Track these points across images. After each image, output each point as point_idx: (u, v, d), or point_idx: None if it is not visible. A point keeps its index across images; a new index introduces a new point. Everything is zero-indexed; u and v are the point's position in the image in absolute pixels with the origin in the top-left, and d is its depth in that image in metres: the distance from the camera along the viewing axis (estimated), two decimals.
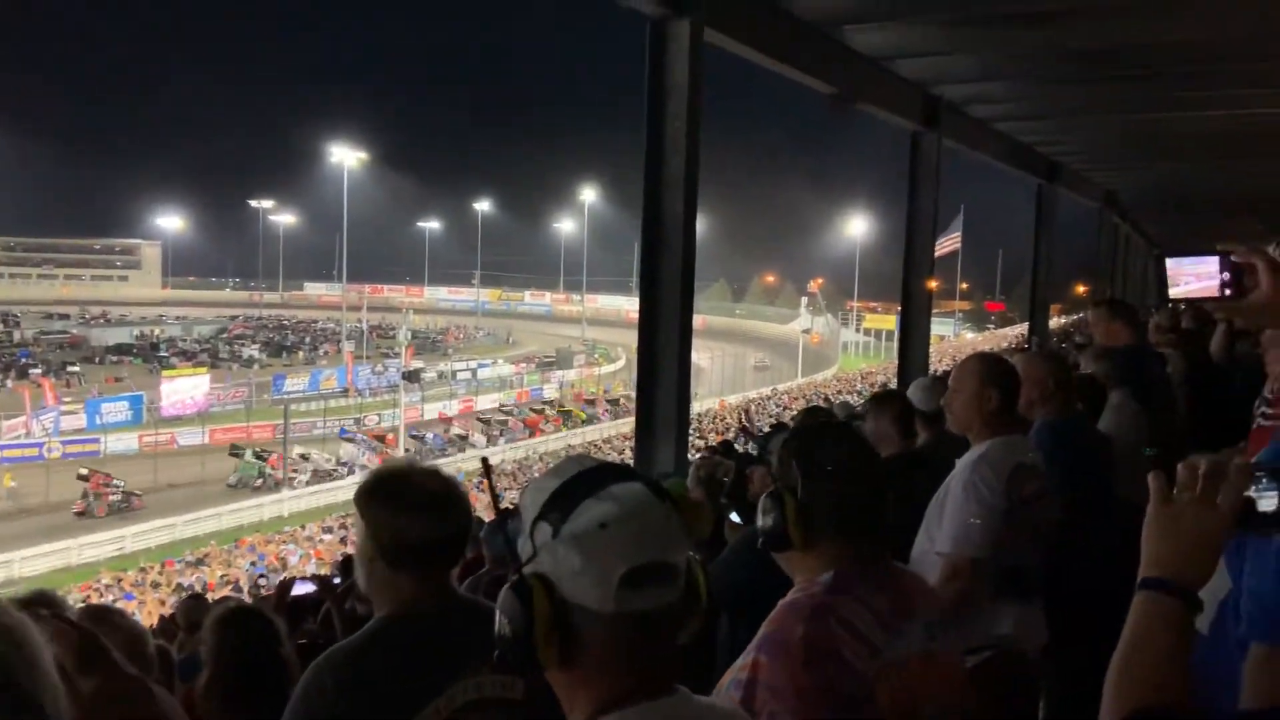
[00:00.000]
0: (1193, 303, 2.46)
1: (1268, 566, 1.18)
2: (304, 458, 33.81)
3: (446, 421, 40.65)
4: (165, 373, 43.70)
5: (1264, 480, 1.11)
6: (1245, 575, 1.22)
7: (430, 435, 38.17)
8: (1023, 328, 23.44)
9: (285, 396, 40.98)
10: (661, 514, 1.20)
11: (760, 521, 1.88)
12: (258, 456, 33.18)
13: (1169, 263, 1.89)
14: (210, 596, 13.63)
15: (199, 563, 23.53)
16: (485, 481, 1.53)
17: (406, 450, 35.64)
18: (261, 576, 20.55)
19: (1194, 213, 21.66)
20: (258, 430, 36.73)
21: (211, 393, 41.04)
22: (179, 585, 20.62)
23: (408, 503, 1.89)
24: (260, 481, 31.82)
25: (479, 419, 41.27)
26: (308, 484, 31.56)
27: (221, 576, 21.41)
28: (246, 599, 12.04)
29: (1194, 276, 1.88)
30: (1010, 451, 2.99)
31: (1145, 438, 4.32)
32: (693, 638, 1.27)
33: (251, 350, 58.69)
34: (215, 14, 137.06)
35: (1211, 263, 1.86)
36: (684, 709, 1.21)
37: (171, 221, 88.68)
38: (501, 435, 39.28)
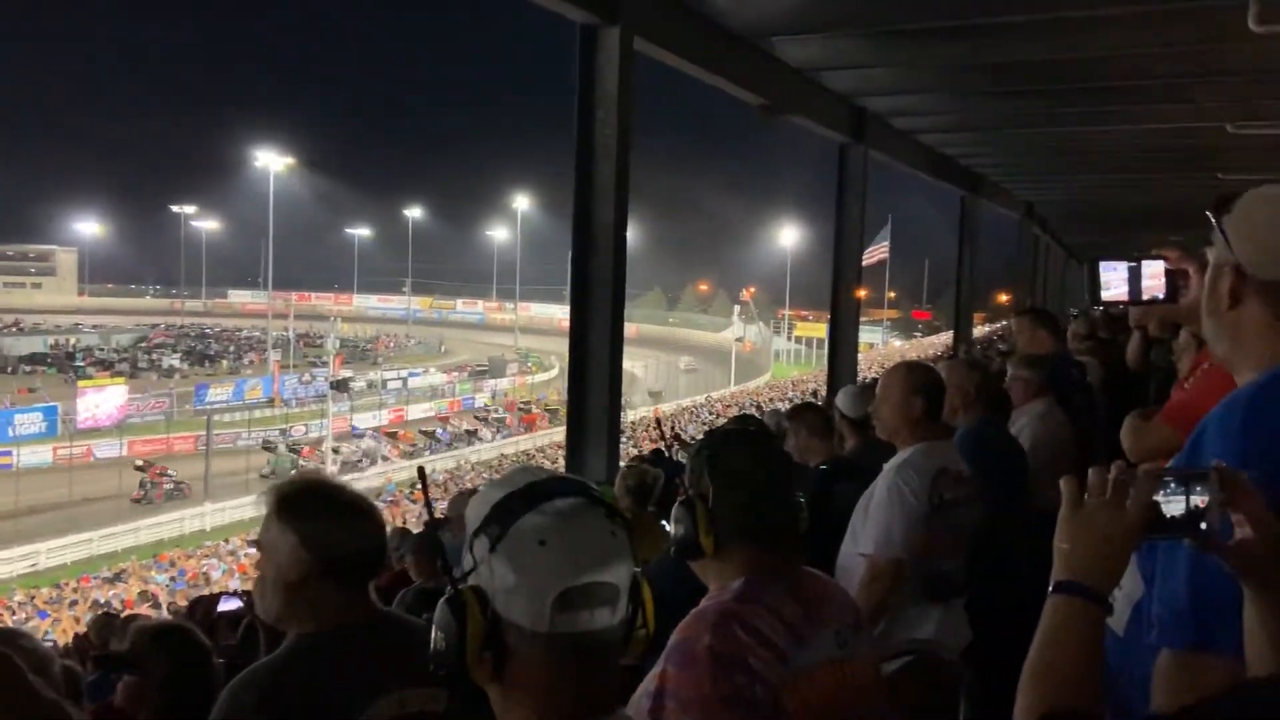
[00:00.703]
0: (1111, 309, 2.54)
1: (1177, 572, 1.20)
2: (335, 450, 34.47)
3: (444, 421, 41.64)
4: (81, 383, 42.20)
5: (1171, 485, 1.14)
6: (1155, 581, 1.25)
7: (439, 431, 39.40)
8: (949, 335, 23.94)
9: (208, 407, 39.88)
10: (604, 532, 1.15)
11: (672, 530, 1.88)
12: (291, 450, 35.18)
13: (1101, 266, 1.96)
14: (124, 613, 13.20)
15: (117, 578, 22.77)
16: (419, 491, 1.49)
17: (415, 445, 37.25)
18: (183, 592, 19.97)
19: (1109, 224, 22.39)
20: (179, 442, 35.65)
21: (130, 403, 39.74)
22: (95, 602, 19.92)
23: (338, 512, 1.83)
24: (294, 473, 31.31)
25: (476, 417, 42.61)
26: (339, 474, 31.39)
27: (140, 593, 20.74)
28: (166, 615, 11.70)
29: (1123, 281, 1.95)
30: (934, 456, 3.05)
31: (1070, 443, 4.45)
32: (639, 659, 1.23)
33: (173, 360, 56.99)
34: (135, 15, 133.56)
35: (1142, 267, 1.94)
36: None
37: (89, 227, 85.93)
38: (499, 432, 40.63)
